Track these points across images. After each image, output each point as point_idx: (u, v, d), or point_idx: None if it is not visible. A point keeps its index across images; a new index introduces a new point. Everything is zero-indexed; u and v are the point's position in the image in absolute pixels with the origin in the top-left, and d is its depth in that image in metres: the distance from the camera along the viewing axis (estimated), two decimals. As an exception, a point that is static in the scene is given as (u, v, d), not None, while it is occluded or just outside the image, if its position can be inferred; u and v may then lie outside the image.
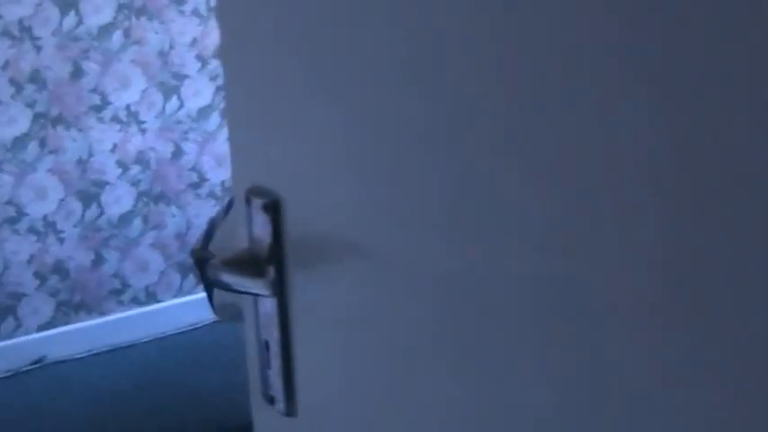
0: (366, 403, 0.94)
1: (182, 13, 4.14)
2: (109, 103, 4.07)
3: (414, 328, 0.88)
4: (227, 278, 0.97)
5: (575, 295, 0.72)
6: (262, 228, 0.98)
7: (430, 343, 0.88)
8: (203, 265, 3.70)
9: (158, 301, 4.33)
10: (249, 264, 0.98)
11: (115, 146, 4.11)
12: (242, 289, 0.97)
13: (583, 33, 0.68)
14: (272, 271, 0.97)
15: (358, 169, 0.90)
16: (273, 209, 0.97)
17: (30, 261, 4.04)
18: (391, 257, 0.89)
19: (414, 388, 0.89)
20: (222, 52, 1.05)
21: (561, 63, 0.70)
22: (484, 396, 0.82)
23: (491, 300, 0.81)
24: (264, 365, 1.02)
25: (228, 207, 3.62)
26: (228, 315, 3.59)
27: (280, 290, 0.97)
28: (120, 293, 4.25)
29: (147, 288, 4.30)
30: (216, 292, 3.59)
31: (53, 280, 4.10)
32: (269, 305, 0.99)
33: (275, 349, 1.00)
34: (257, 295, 0.99)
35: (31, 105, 3.93)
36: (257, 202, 0.98)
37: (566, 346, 0.74)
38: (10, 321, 4.05)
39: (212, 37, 4.21)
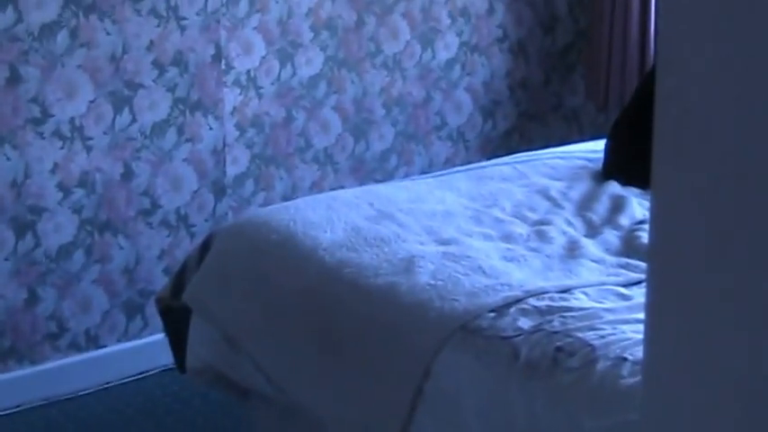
0: None
1: (138, 12, 3.53)
2: (50, 116, 3.44)
3: None
4: None
5: None
6: None
7: None
8: (172, 316, 3.11)
9: (101, 347, 3.71)
10: None
11: (56, 165, 3.49)
12: None
13: None
14: None
15: None
16: None
17: (-50, 301, 3.40)
18: None
19: None
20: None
21: None
22: None
23: None
24: None
25: (205, 247, 3.04)
26: (204, 379, 3.02)
27: None
28: (56, 338, 3.63)
29: (87, 331, 3.69)
30: (189, 349, 3.01)
31: (-22, 323, 3.47)
32: None
33: None
34: None
35: (-44, 116, 3.29)
36: None
37: None
38: (-75, 373, 3.40)
39: (171, 39, 3.60)
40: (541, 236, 2.81)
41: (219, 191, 3.84)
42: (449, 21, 4.27)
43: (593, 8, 4.50)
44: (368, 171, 4.20)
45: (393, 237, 2.74)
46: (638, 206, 3.03)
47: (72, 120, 3.48)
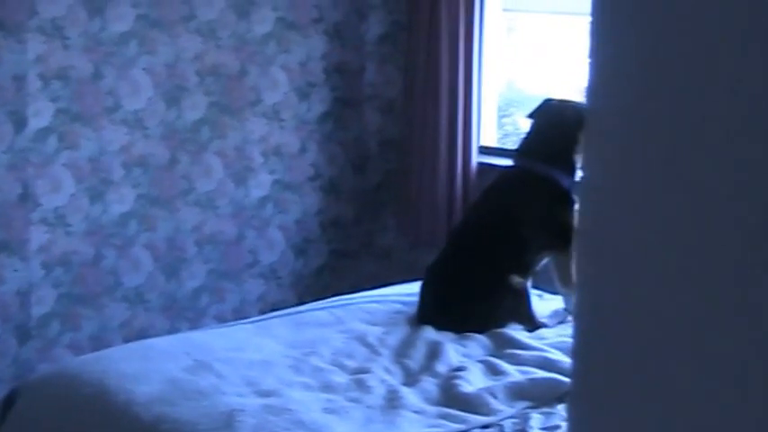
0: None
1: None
2: None
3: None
4: None
5: None
6: None
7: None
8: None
9: None
10: None
11: None
12: None
13: None
14: None
15: None
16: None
17: None
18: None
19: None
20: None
21: None
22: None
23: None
24: None
25: (8, 403, 2.88)
26: None
27: None
28: None
29: None
30: None
31: None
32: None
33: None
34: None
35: None
36: None
37: None
38: None
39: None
40: (361, 385, 2.79)
41: (23, 334, 3.69)
42: (262, 159, 4.27)
43: (403, 148, 4.58)
44: (179, 309, 4.12)
45: (212, 389, 2.67)
46: (453, 352, 3.05)
47: None
